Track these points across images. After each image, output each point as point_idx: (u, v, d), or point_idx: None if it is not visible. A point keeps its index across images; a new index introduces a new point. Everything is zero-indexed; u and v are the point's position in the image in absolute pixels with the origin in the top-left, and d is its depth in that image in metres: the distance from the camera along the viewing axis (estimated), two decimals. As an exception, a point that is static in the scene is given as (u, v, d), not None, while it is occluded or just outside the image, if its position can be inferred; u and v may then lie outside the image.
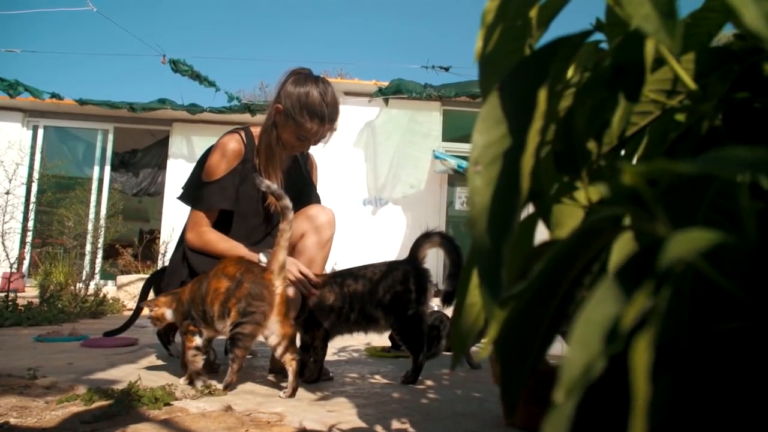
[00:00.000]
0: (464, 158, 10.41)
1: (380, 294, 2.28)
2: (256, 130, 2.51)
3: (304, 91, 2.33)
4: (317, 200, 2.70)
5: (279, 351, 2.05)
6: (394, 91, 9.70)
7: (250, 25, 50.42)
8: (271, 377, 2.41)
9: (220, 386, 2.06)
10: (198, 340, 2.15)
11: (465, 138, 11.00)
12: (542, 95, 0.48)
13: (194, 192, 2.47)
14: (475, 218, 0.49)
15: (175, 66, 7.94)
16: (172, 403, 1.84)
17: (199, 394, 1.97)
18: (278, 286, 2.07)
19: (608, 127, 0.63)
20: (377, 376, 2.46)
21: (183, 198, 2.52)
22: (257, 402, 1.90)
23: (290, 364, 2.03)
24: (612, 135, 0.61)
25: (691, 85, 0.54)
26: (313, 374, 2.29)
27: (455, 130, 10.67)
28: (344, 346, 3.43)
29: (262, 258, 2.29)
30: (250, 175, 2.41)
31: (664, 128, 0.67)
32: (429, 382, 2.31)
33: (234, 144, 2.43)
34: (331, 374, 2.38)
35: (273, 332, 2.06)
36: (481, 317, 0.61)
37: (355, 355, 3.12)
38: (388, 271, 2.31)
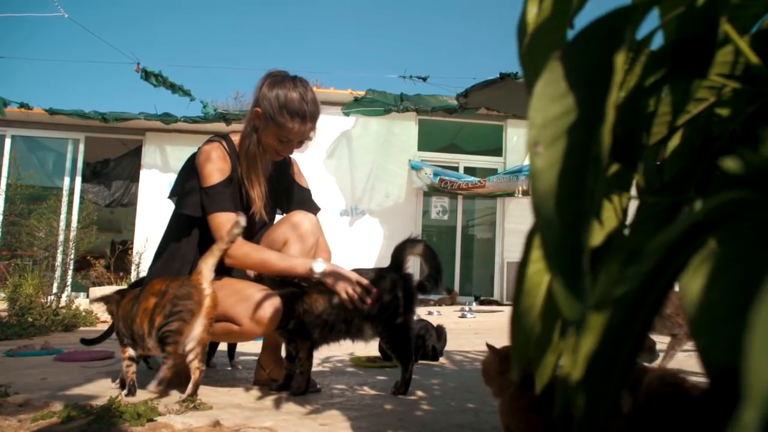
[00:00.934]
0: (441, 167, 10.44)
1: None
2: (236, 138, 2.43)
3: (283, 92, 2.27)
4: (310, 203, 2.61)
5: (190, 356, 2.06)
6: (369, 103, 9.68)
7: (224, 34, 50.07)
8: (255, 389, 2.33)
9: (205, 400, 1.98)
10: (131, 351, 2.19)
11: (441, 148, 11.03)
12: (619, 61, 0.43)
13: (195, 197, 2.30)
14: (540, 205, 0.44)
15: (146, 76, 7.79)
16: (155, 418, 1.75)
17: (184, 409, 1.88)
18: (206, 287, 2.09)
19: (656, 115, 0.59)
20: (366, 387, 2.39)
21: (184, 207, 2.33)
22: (245, 416, 1.83)
23: (194, 372, 2.05)
24: (665, 122, 0.57)
25: (756, 60, 0.50)
26: (301, 386, 2.22)
27: (431, 140, 10.69)
28: (328, 356, 3.35)
29: (316, 268, 2.19)
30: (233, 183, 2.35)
31: (706, 120, 0.63)
32: (420, 393, 2.25)
33: (218, 152, 2.33)
34: (318, 386, 2.31)
35: (193, 334, 2.07)
36: (537, 324, 0.56)
37: (340, 365, 3.05)
38: (375, 280, 2.25)
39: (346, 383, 2.48)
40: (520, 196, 10.13)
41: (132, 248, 9.06)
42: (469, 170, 10.78)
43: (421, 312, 6.69)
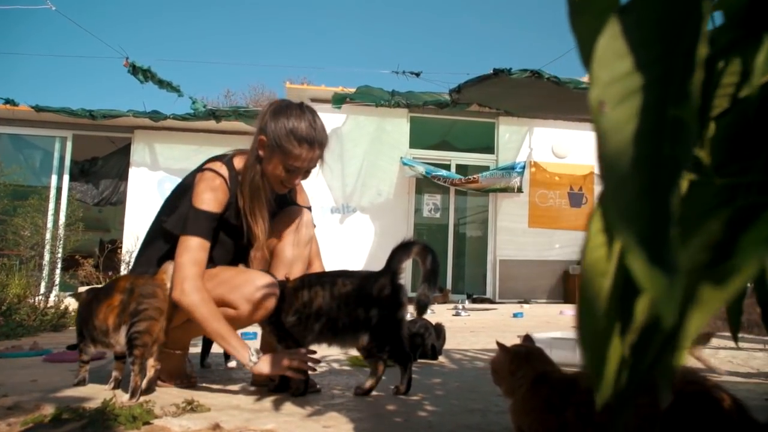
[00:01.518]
0: (432, 164, 10.38)
1: (358, 307, 2.15)
2: (239, 163, 2.31)
3: (290, 119, 2.19)
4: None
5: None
6: (361, 99, 9.59)
7: (214, 30, 49.60)
8: (254, 390, 2.26)
9: (203, 402, 1.91)
10: (84, 356, 2.23)
11: (433, 145, 10.98)
12: (706, 6, 0.38)
13: (182, 216, 2.24)
14: (612, 163, 0.39)
15: (134, 70, 7.67)
16: (152, 421, 1.69)
17: (181, 411, 1.82)
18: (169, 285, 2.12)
19: (719, 86, 0.53)
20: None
21: (170, 224, 2.30)
22: (245, 418, 1.76)
23: (149, 371, 2.08)
24: (728, 93, 0.51)
25: None
26: (300, 386, 2.16)
27: (422, 137, 10.63)
28: (323, 355, 3.29)
29: (251, 360, 2.09)
30: (228, 219, 2.28)
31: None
32: (422, 393, 2.20)
33: (219, 183, 2.23)
34: (318, 386, 2.25)
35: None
36: (603, 307, 0.49)
37: (336, 365, 2.99)
38: (364, 284, 2.18)
39: (345, 383, 2.42)
40: (514, 192, 10.11)
41: (121, 247, 8.94)
42: (461, 168, 10.73)
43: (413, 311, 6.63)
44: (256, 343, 3.75)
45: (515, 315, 6.23)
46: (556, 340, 2.82)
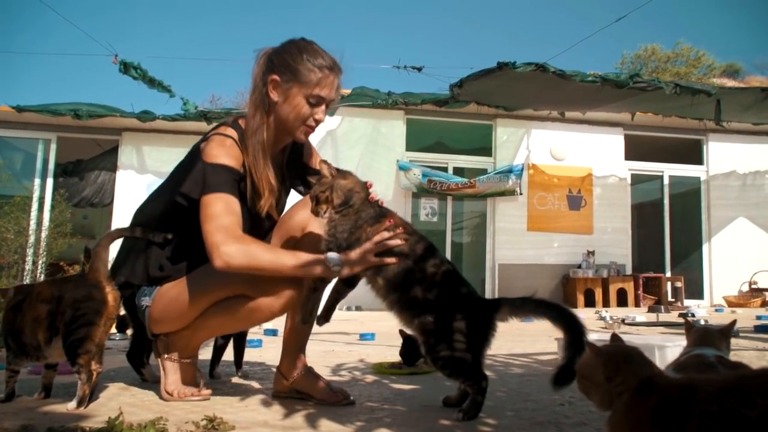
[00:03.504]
0: (429, 167, 10.13)
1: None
2: (244, 123, 2.02)
3: (298, 48, 1.92)
4: None
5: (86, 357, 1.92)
6: (356, 100, 9.31)
7: (205, 25, 48.99)
8: (277, 404, 1.97)
9: (225, 418, 1.62)
10: (14, 366, 1.99)
11: (430, 147, 10.73)
12: None
13: (199, 176, 1.91)
14: None
15: (125, 68, 7.34)
16: (169, 443, 1.40)
17: (202, 430, 1.53)
18: (106, 285, 1.93)
19: None
20: (406, 398, 2.05)
21: (187, 187, 1.99)
22: (280, 438, 1.48)
23: (92, 375, 1.89)
24: None
25: None
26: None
27: (419, 139, 10.38)
28: (340, 363, 3.01)
29: (332, 257, 1.77)
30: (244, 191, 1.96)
31: None
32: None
33: (230, 143, 1.93)
34: (352, 398, 1.96)
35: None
36: None
37: (359, 374, 2.70)
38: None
39: (379, 394, 2.13)
40: (511, 195, 9.90)
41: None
42: (458, 170, 10.52)
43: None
44: (262, 351, 3.45)
45: (525, 319, 5.98)
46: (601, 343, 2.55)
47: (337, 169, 1.91)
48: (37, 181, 9.63)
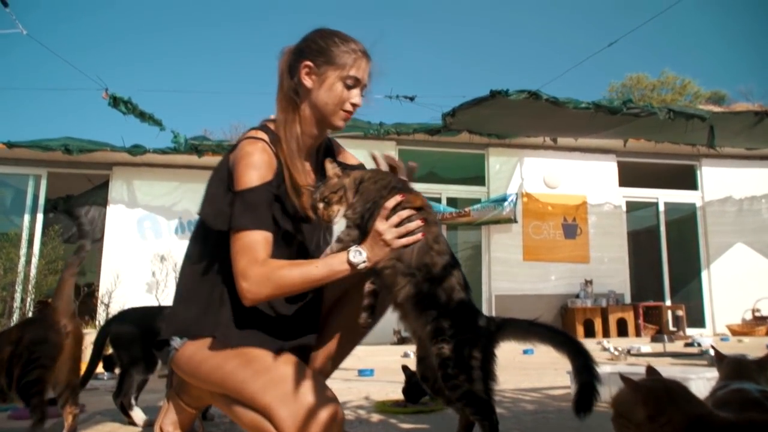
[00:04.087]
0: (430, 199, 9.96)
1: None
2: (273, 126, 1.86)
3: (326, 31, 1.83)
4: None
5: (60, 401, 1.93)
6: (347, 130, 9.26)
7: (196, 58, 49.15)
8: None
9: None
10: None
11: (422, 178, 10.66)
12: None
13: (227, 206, 1.68)
14: None
15: (115, 103, 7.27)
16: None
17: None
18: (66, 324, 1.90)
19: None
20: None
21: (212, 217, 1.72)
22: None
23: (67, 419, 1.90)
24: None
25: None
26: None
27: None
28: (343, 401, 2.86)
29: (354, 258, 1.60)
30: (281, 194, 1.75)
31: None
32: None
33: (261, 145, 1.74)
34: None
35: (57, 379, 1.90)
36: None
37: (362, 412, 2.56)
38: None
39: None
40: (507, 223, 9.81)
41: (98, 289, 8.40)
42: (451, 201, 10.45)
43: (412, 350, 6.21)
44: (368, 385, 3.29)
45: (525, 352, 5.84)
46: (616, 376, 2.42)
47: (343, 168, 1.78)
48: (26, 217, 9.47)
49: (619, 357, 4.74)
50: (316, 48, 1.79)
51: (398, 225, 1.62)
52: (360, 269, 1.59)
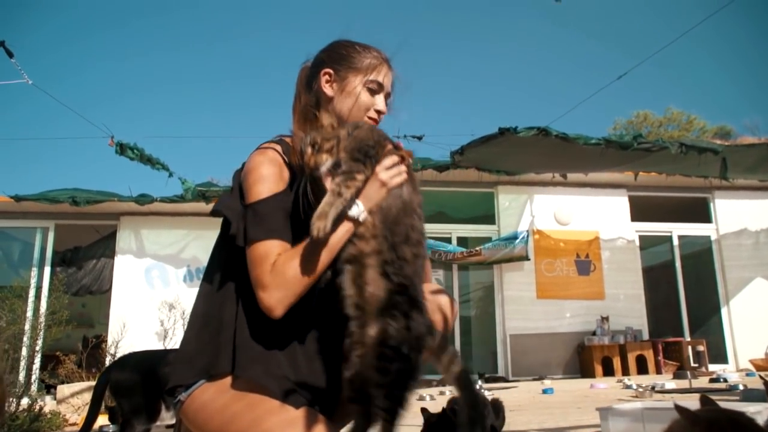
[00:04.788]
0: (432, 238, 9.93)
1: None
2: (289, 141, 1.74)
3: (346, 41, 1.75)
4: None
5: None
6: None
7: (203, 102, 49.42)
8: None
9: None
10: None
11: (431, 218, 10.55)
12: None
13: (242, 218, 1.57)
14: None
15: (121, 149, 7.29)
16: None
17: None
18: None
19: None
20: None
21: (221, 204, 1.63)
22: None
23: None
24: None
25: None
26: None
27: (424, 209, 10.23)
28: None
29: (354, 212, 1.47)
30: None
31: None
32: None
33: (272, 155, 1.64)
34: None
35: None
36: None
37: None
38: None
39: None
40: (520, 261, 9.67)
41: (106, 341, 8.27)
42: (462, 240, 10.35)
43: (428, 393, 6.02)
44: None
45: (545, 391, 5.65)
46: (650, 411, 2.28)
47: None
48: (34, 270, 9.42)
49: (643, 394, 4.55)
50: (337, 56, 1.72)
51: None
52: (361, 221, 1.46)
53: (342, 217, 1.44)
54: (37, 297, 8.99)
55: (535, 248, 9.93)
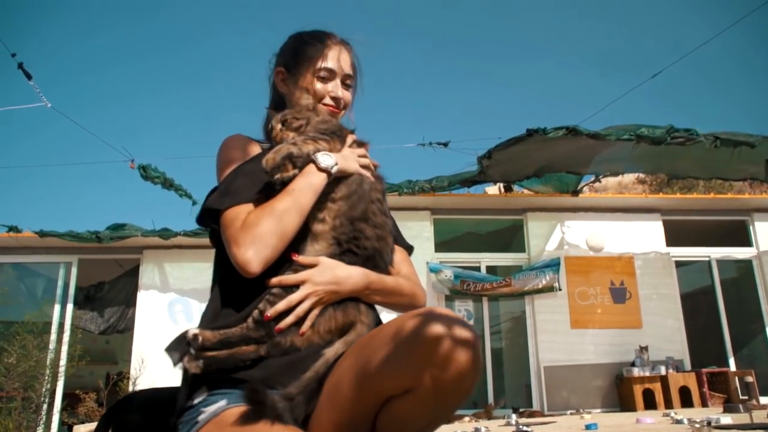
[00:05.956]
0: (461, 267, 9.65)
1: None
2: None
3: (300, 33, 1.73)
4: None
5: None
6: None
7: (216, 124, 49.49)
8: None
9: None
10: None
11: (459, 247, 10.29)
12: None
13: (214, 194, 1.51)
14: None
15: (145, 172, 7.23)
16: None
17: None
18: None
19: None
20: None
21: (204, 214, 1.50)
22: None
23: None
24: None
25: None
26: None
27: (448, 239, 10.02)
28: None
29: (323, 162, 1.45)
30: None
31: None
32: None
33: (236, 137, 1.67)
34: None
35: None
36: None
37: None
38: None
39: None
40: (550, 291, 9.34)
41: (128, 378, 8.09)
42: (491, 269, 10.06)
43: (463, 428, 5.72)
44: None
45: (588, 427, 5.28)
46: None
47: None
48: (57, 307, 9.33)
49: (701, 430, 4.19)
50: (287, 50, 1.73)
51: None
52: (333, 173, 1.44)
53: (309, 163, 1.44)
54: (60, 333, 8.88)
55: (568, 276, 9.59)
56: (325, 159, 1.44)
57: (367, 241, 1.47)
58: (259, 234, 1.35)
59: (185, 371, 1.38)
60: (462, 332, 1.18)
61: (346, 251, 1.45)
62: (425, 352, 1.17)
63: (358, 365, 1.27)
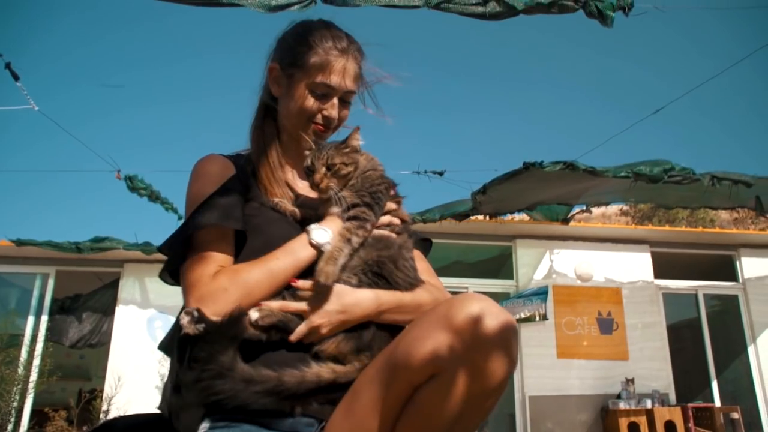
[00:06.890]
0: (456, 293, 9.45)
1: None
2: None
3: (305, 26, 1.52)
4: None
5: None
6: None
7: (210, 138, 49.01)
8: None
9: None
10: None
11: (447, 272, 10.16)
12: None
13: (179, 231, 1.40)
14: None
15: (131, 183, 7.04)
16: None
17: None
18: None
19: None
20: None
21: (166, 246, 1.43)
22: None
23: None
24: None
25: None
26: None
27: (436, 264, 9.79)
28: None
29: (315, 236, 1.32)
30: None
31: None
32: None
33: (211, 161, 1.49)
34: None
35: None
36: None
37: None
38: None
39: None
40: (537, 320, 9.22)
41: (101, 396, 7.80)
42: (478, 295, 9.93)
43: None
44: None
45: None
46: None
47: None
48: (30, 319, 9.02)
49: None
50: (285, 46, 1.52)
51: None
52: (323, 251, 1.31)
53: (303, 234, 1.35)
54: (32, 347, 8.57)
55: (555, 306, 9.49)
56: (319, 234, 1.32)
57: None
58: (223, 298, 1.28)
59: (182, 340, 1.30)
60: (500, 312, 1.19)
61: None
62: (460, 325, 1.15)
63: (383, 356, 1.24)
